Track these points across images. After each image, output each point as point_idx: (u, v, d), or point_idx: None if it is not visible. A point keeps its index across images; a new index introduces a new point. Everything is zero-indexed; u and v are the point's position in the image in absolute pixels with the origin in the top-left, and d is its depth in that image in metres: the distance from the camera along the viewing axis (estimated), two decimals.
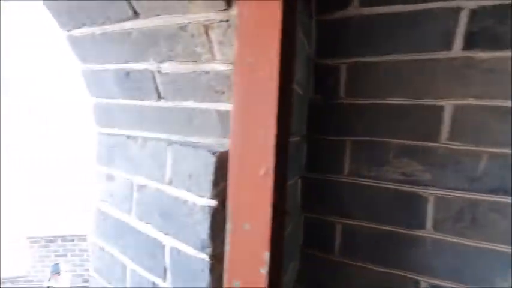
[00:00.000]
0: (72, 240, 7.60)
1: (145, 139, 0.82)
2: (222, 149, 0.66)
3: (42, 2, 0.81)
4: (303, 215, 1.02)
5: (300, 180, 0.99)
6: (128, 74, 0.84)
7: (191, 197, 0.68)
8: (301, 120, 0.98)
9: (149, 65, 0.79)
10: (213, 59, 0.70)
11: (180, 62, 0.74)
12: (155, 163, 0.78)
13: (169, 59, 0.75)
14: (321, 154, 0.98)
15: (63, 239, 7.67)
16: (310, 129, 1.00)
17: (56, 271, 4.96)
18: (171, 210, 0.74)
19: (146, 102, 0.85)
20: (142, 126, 0.87)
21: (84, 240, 7.58)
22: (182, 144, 0.71)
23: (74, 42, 0.87)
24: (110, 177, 0.94)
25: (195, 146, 0.69)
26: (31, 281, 8.08)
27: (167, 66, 0.77)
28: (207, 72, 0.72)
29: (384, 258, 0.94)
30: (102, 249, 0.97)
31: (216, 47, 0.68)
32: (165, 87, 0.80)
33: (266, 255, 0.57)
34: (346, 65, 0.91)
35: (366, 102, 0.91)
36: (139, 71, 0.81)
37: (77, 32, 0.84)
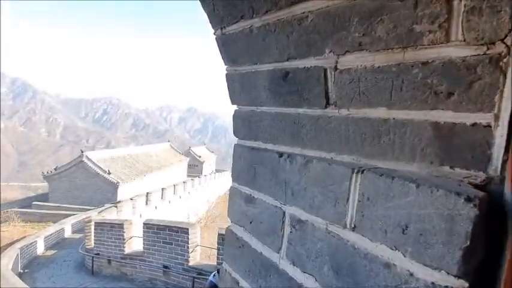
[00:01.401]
0: (177, 232, 8.57)
1: (308, 159, 0.61)
2: (477, 192, 0.38)
3: None
4: None
5: None
6: (286, 74, 0.66)
7: (404, 263, 0.43)
8: None
9: (322, 60, 0.58)
10: (445, 39, 0.43)
11: (376, 51, 0.51)
12: (325, 194, 0.56)
13: (358, 48, 0.52)
14: None
15: (170, 229, 8.72)
16: None
17: None
18: (352, 267, 0.50)
19: (306, 111, 0.65)
20: (298, 141, 0.67)
21: (186, 233, 8.43)
22: (383, 173, 0.47)
23: (226, 41, 0.75)
24: (249, 200, 0.78)
25: (414, 180, 0.43)
26: (144, 260, 9.49)
27: (350, 60, 0.54)
28: (424, 64, 0.46)
29: None
30: (236, 282, 0.82)
31: (458, 19, 0.41)
32: (339, 89, 0.58)
33: None
34: None
35: None
36: (305, 69, 0.62)
37: (231, 29, 0.71)
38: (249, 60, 0.72)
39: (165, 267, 8.83)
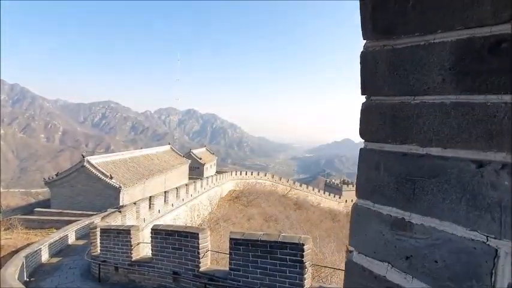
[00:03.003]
0: (187, 237, 8.32)
1: None
2: None
3: None
4: None
5: None
6: (497, 43, 0.44)
7: None
8: None
9: None
10: None
11: None
12: None
13: None
14: None
15: (179, 234, 8.47)
16: None
17: None
18: None
19: None
20: (499, 143, 0.46)
21: (196, 237, 8.18)
22: None
23: (381, 1, 0.53)
24: (401, 226, 0.56)
25: None
26: (153, 267, 9.25)
27: None
28: None
29: None
30: None
31: None
32: None
33: None
34: None
35: None
36: None
37: None
38: (419, 28, 0.50)
39: (175, 273, 8.57)
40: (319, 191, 49.01)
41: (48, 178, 21.84)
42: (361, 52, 0.59)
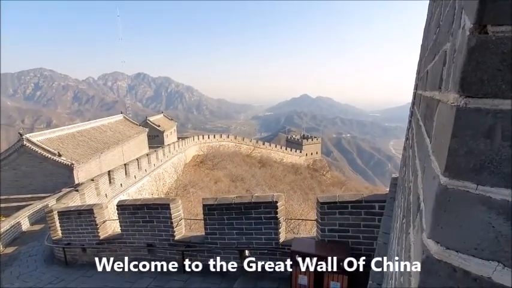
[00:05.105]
0: (157, 209, 8.05)
1: None
2: None
3: None
4: None
5: None
6: None
7: None
8: None
9: None
10: None
11: None
12: None
13: None
14: None
15: (148, 207, 8.16)
16: None
17: None
18: None
19: None
20: None
21: (167, 208, 7.97)
22: None
23: None
24: None
25: None
26: (124, 242, 8.98)
27: None
28: None
29: None
30: None
31: None
32: None
33: None
34: None
35: None
36: None
37: None
38: None
39: (149, 245, 8.43)
40: (281, 148, 50.71)
41: None
42: None
